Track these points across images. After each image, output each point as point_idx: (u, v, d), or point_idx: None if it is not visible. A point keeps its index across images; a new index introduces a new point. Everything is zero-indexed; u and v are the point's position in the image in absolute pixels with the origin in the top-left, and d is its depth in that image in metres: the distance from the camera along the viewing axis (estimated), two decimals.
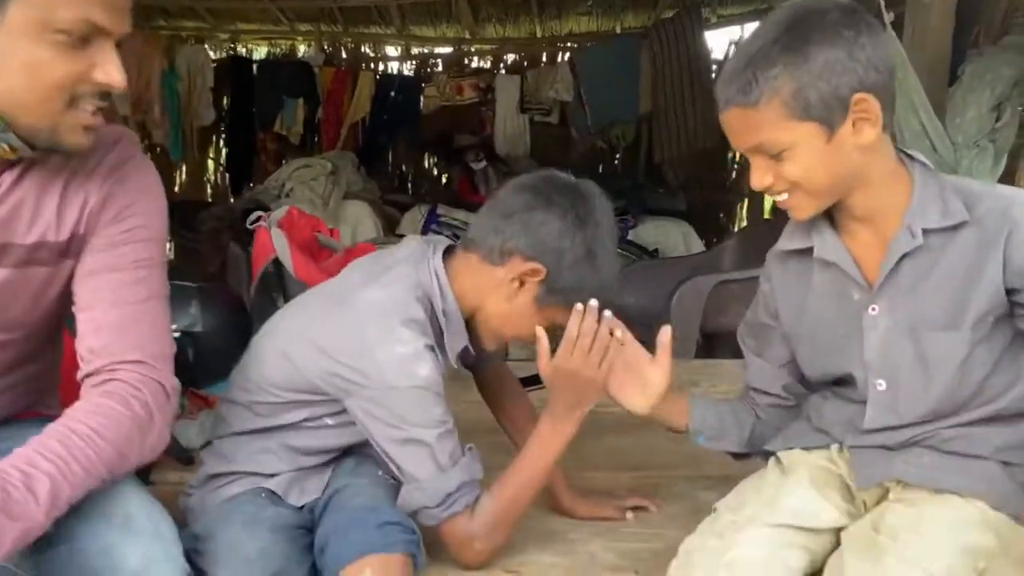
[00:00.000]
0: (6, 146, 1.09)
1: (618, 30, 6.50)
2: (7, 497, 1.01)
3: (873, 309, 1.28)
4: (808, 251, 1.35)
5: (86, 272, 1.21)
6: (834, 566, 1.24)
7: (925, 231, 1.24)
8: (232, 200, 6.21)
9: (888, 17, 3.18)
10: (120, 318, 1.19)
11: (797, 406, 1.48)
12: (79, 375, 1.20)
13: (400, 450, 1.31)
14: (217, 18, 6.54)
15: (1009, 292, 1.22)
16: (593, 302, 1.34)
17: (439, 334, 1.37)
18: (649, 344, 1.90)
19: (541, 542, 1.49)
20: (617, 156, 6.40)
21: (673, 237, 5.14)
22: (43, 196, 1.17)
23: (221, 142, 6.92)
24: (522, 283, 1.37)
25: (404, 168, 7.07)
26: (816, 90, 1.18)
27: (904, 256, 1.25)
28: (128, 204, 1.22)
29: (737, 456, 1.51)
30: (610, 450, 1.89)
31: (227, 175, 6.82)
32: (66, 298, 1.24)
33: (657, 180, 6.03)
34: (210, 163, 7.03)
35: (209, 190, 6.92)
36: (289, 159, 5.93)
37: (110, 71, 1.08)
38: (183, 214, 4.75)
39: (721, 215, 6.43)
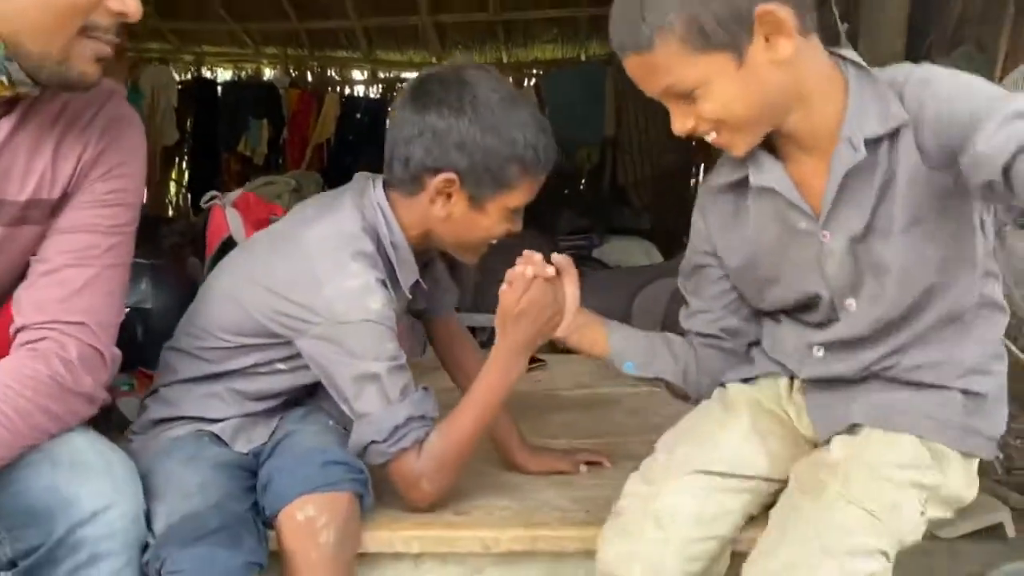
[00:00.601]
0: (4, 79, 1.04)
1: (583, 57, 6.61)
2: None
3: (825, 236, 1.20)
4: (744, 182, 1.26)
5: (62, 227, 1.18)
6: (783, 503, 1.22)
7: (867, 141, 1.14)
8: (194, 217, 6.16)
9: (843, 28, 3.27)
10: (79, 278, 1.16)
11: (734, 351, 1.40)
12: (12, 327, 1.17)
13: (351, 386, 1.28)
14: (182, 40, 6.57)
15: (935, 157, 1.11)
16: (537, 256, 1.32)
17: (390, 269, 1.35)
18: None
19: (496, 490, 1.47)
20: (583, 178, 6.46)
21: (636, 255, 5.18)
22: (37, 151, 1.14)
23: (184, 163, 6.89)
24: (448, 195, 1.33)
25: None
26: (712, 15, 1.07)
27: (848, 172, 1.15)
28: (119, 163, 1.20)
29: (676, 392, 1.43)
30: (567, 423, 1.88)
31: (189, 195, 6.77)
32: None
33: (622, 200, 6.09)
34: (172, 184, 6.98)
35: (171, 211, 6.86)
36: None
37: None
38: (144, 229, 4.70)
39: (684, 238, 6.49)
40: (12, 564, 1.11)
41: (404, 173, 1.33)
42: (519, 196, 1.35)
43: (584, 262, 4.77)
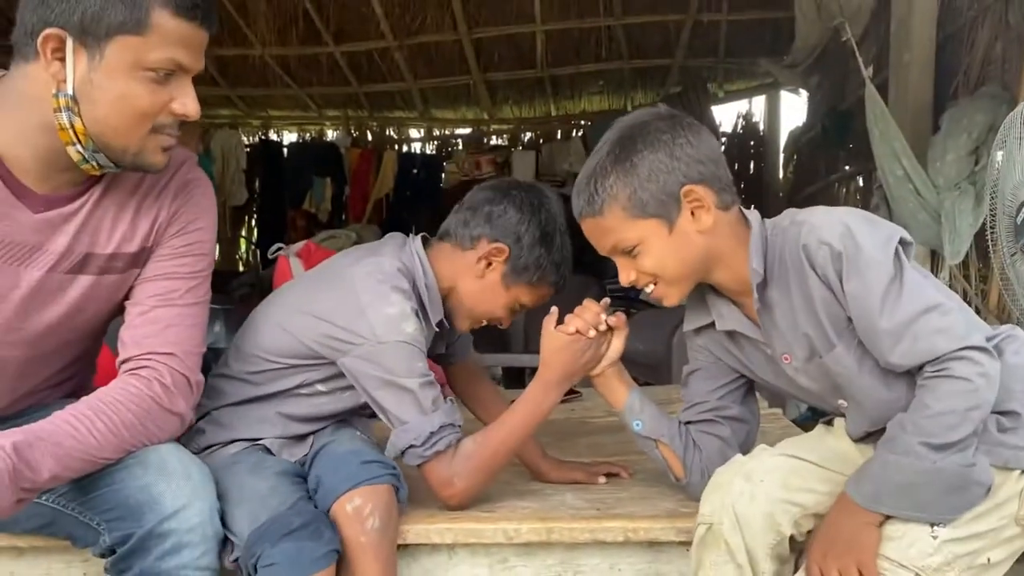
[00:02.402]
0: (95, 163, 1.30)
1: (629, 107, 6.80)
2: (35, 440, 1.21)
3: (785, 359, 1.42)
4: (712, 325, 1.49)
5: (148, 276, 1.41)
6: None
7: (759, 287, 1.37)
8: (262, 271, 6.50)
9: (868, 73, 3.42)
10: (166, 317, 1.39)
11: (727, 441, 1.54)
12: (118, 360, 1.40)
13: (389, 398, 1.49)
14: (250, 105, 6.98)
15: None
16: (606, 300, 1.55)
17: (421, 306, 1.58)
18: (655, 382, 2.01)
19: (520, 494, 1.66)
20: None
21: None
22: (121, 212, 1.38)
23: (253, 221, 7.28)
24: (489, 263, 1.59)
25: None
26: (647, 191, 1.34)
27: (762, 313, 1.39)
28: (192, 219, 1.43)
29: (671, 469, 1.57)
30: (594, 444, 2.05)
31: (258, 251, 7.14)
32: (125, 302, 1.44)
33: None
34: (242, 241, 7.36)
35: (241, 266, 7.23)
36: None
37: (187, 103, 1.29)
38: (216, 281, 5.02)
39: None
40: (111, 551, 1.32)
41: (464, 230, 1.60)
42: (534, 296, 1.64)
43: (631, 303, 4.92)
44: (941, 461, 1.22)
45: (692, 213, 1.36)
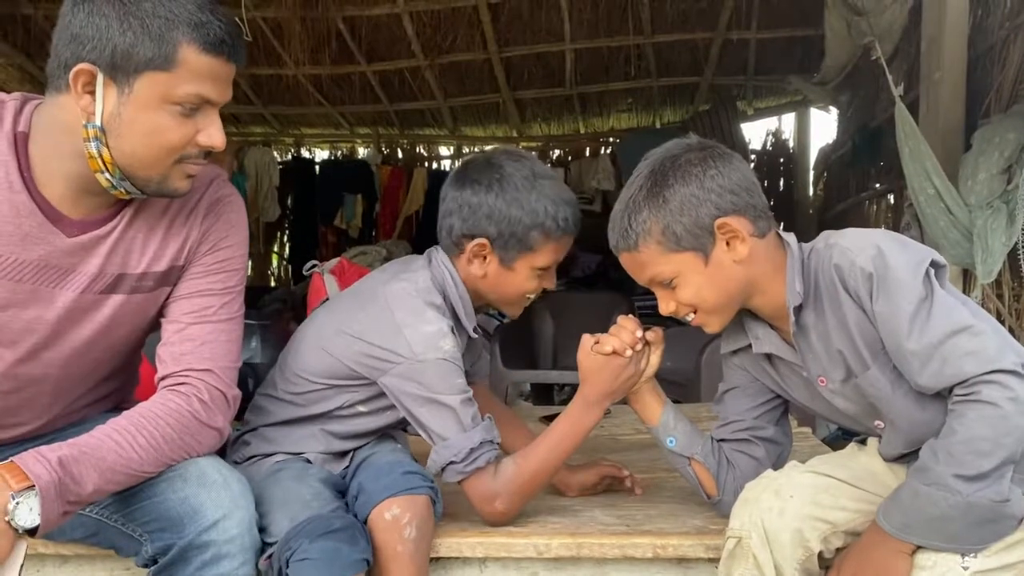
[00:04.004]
0: (122, 190, 1.33)
1: (657, 124, 6.84)
2: (80, 454, 1.24)
3: (821, 381, 1.42)
4: (749, 348, 1.49)
5: (182, 294, 1.44)
6: None
7: (796, 311, 1.37)
8: (294, 287, 6.58)
9: (898, 91, 3.42)
10: (201, 334, 1.42)
11: (760, 462, 1.54)
12: (157, 377, 1.44)
13: (429, 415, 1.51)
14: (283, 124, 7.10)
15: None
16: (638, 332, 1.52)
17: (455, 319, 1.60)
18: (684, 400, 1.97)
19: (551, 510, 1.68)
20: None
21: None
22: (152, 232, 1.41)
23: (285, 237, 7.39)
24: (483, 257, 1.59)
25: None
26: (680, 224, 1.35)
27: (799, 336, 1.39)
28: (223, 236, 1.46)
29: (703, 486, 1.58)
30: (621, 461, 2.05)
31: (290, 267, 7.24)
32: (158, 319, 1.47)
33: None
34: (274, 257, 7.47)
35: (273, 281, 7.33)
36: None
37: (213, 134, 1.32)
38: (248, 297, 5.10)
39: None
40: (154, 561, 1.36)
41: (448, 239, 1.61)
42: (544, 257, 1.60)
43: (663, 319, 4.92)
44: (974, 495, 1.20)
45: (727, 244, 1.36)
